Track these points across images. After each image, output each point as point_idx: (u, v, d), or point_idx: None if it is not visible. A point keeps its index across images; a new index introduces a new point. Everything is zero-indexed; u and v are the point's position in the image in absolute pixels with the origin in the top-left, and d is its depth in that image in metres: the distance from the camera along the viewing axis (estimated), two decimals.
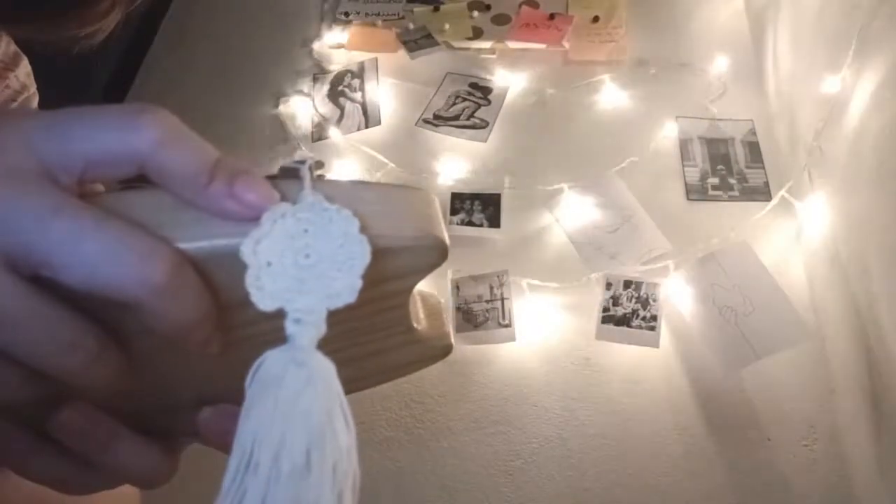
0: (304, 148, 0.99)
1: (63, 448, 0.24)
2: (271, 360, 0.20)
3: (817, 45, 0.81)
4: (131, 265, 0.20)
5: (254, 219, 0.22)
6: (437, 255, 0.25)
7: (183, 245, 0.22)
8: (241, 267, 0.21)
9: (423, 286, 0.28)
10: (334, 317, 0.21)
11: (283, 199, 0.22)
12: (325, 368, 0.21)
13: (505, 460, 0.72)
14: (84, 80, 1.02)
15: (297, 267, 0.21)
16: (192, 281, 0.22)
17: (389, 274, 0.24)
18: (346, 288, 0.21)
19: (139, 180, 0.22)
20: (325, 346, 0.21)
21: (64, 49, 0.37)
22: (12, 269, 0.20)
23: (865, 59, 0.71)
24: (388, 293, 0.26)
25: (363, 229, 0.22)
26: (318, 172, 0.26)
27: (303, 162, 0.24)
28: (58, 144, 0.21)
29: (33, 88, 0.45)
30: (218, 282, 0.22)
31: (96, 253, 0.20)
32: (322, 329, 0.21)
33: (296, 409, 0.20)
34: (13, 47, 0.43)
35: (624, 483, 0.70)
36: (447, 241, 0.25)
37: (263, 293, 0.21)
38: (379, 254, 0.22)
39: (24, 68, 0.44)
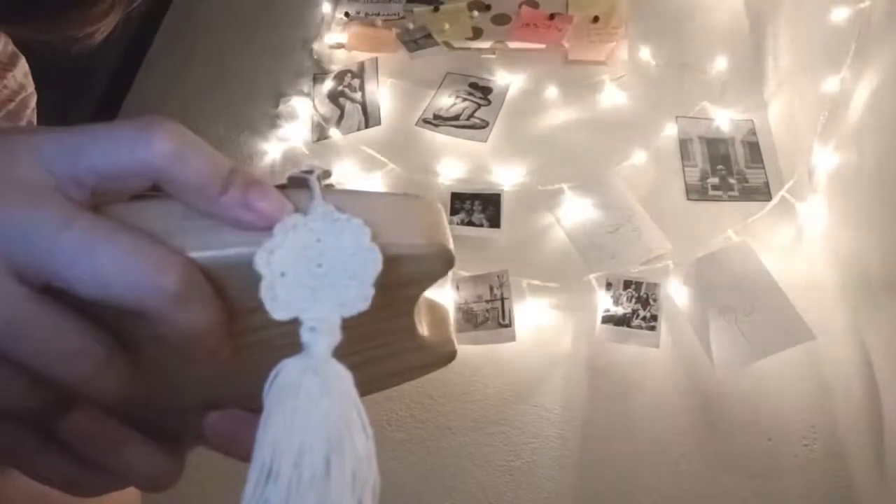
0: (304, 148, 0.99)
1: (70, 450, 0.24)
2: (288, 369, 0.21)
3: (817, 45, 0.81)
4: (143, 275, 0.20)
5: (266, 228, 0.22)
6: (443, 264, 0.25)
7: (194, 254, 0.22)
8: (252, 275, 0.21)
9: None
10: (343, 324, 0.21)
11: (295, 209, 0.23)
12: (342, 376, 0.21)
13: (505, 460, 0.72)
14: (84, 80, 1.02)
15: (311, 276, 0.22)
16: (204, 290, 0.22)
17: (398, 282, 0.25)
18: (359, 296, 0.22)
19: (151, 189, 0.22)
20: (333, 352, 0.21)
21: (64, 49, 0.37)
22: (23, 280, 0.20)
23: (865, 59, 0.71)
24: (397, 300, 0.26)
25: (374, 238, 0.22)
26: (326, 182, 0.26)
27: (311, 171, 0.24)
28: (70, 160, 0.21)
29: (31, 88, 0.45)
30: (228, 290, 0.23)
31: (108, 264, 0.20)
32: (337, 337, 0.21)
33: (314, 416, 0.20)
34: (11, 47, 0.43)
35: (624, 483, 0.70)
36: (453, 250, 0.25)
37: (278, 303, 0.21)
38: (388, 262, 0.22)
39: (22, 68, 0.44)
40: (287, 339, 0.21)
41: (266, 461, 0.20)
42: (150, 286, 0.20)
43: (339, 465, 0.20)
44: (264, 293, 0.21)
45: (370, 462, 0.20)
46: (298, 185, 0.24)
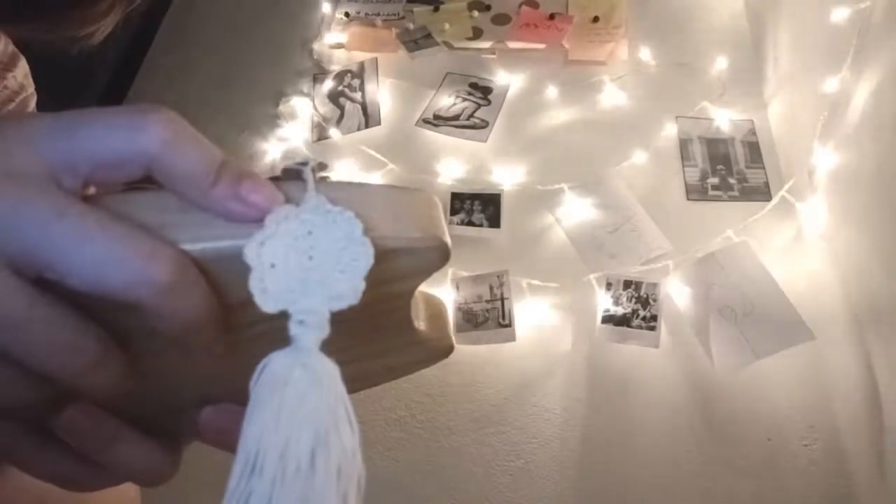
0: (304, 148, 0.99)
1: (68, 446, 0.24)
2: (275, 362, 0.20)
3: (817, 45, 0.81)
4: (135, 267, 0.20)
5: (258, 220, 0.22)
6: (439, 257, 0.25)
7: (187, 246, 0.22)
8: (245, 268, 0.21)
9: (424, 286, 0.28)
10: (337, 317, 0.21)
11: (287, 200, 0.22)
12: (329, 370, 0.21)
13: (505, 460, 0.72)
14: (84, 80, 1.02)
15: (301, 268, 0.21)
16: (196, 282, 0.22)
17: (392, 275, 0.24)
18: (348, 289, 0.21)
19: (143, 182, 0.22)
20: (326, 346, 0.21)
21: (64, 49, 0.37)
22: (16, 271, 0.20)
23: (865, 59, 0.71)
24: (391, 294, 0.26)
25: (366, 231, 0.22)
26: (321, 174, 0.26)
27: (305, 163, 0.24)
28: (64, 146, 0.21)
29: (31, 88, 0.45)
30: (222, 283, 0.22)
31: (100, 255, 0.20)
32: (326, 330, 0.21)
33: (300, 410, 0.20)
34: (11, 47, 0.43)
35: (624, 483, 0.70)
36: (449, 243, 0.25)
37: (267, 295, 0.21)
38: (382, 255, 0.22)
39: (23, 69, 0.44)
40: (281, 333, 0.21)
41: (251, 454, 0.19)
42: (142, 278, 0.20)
43: (324, 459, 0.19)
44: (253, 285, 0.21)
45: (356, 457, 0.20)
46: (293, 177, 0.24)
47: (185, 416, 0.26)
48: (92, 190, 0.24)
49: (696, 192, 0.88)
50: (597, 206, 0.86)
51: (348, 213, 0.22)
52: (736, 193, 0.87)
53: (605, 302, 0.76)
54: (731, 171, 0.89)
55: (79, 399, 0.24)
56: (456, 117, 0.99)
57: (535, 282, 0.79)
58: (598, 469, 0.71)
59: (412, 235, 0.24)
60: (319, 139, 0.99)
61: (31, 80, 0.45)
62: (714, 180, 0.89)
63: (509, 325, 0.76)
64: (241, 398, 0.21)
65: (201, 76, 1.12)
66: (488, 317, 0.77)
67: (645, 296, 0.75)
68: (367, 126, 0.99)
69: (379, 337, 0.28)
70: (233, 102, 1.07)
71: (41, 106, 0.46)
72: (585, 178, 0.89)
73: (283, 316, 0.21)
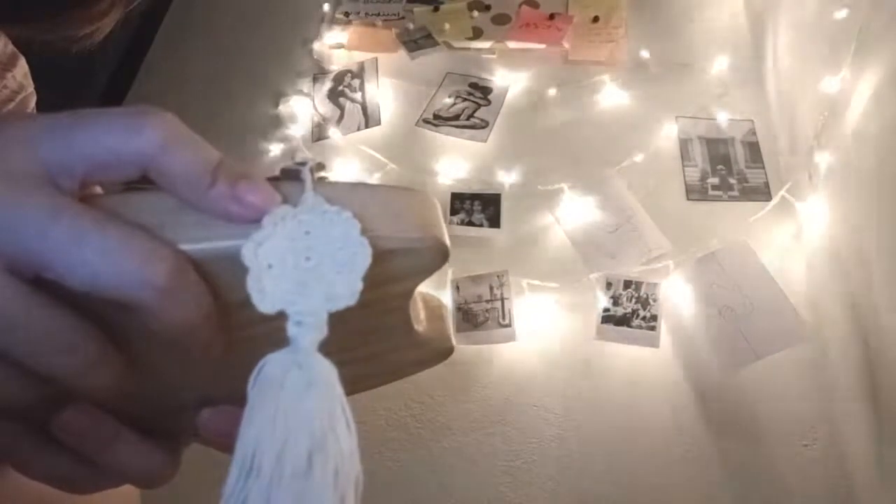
0: (304, 148, 0.99)
1: (66, 447, 0.24)
2: (273, 363, 0.20)
3: (817, 45, 0.81)
4: (132, 267, 0.20)
5: (255, 221, 0.22)
6: (438, 257, 0.25)
7: (184, 247, 0.22)
8: (243, 269, 0.21)
9: (424, 286, 0.28)
10: (335, 318, 0.21)
11: (285, 201, 0.22)
12: (327, 371, 0.21)
13: (505, 460, 0.72)
14: (84, 81, 1.02)
15: (298, 269, 0.21)
16: (194, 283, 0.22)
17: (390, 276, 0.24)
18: (346, 290, 0.21)
19: (141, 182, 0.22)
20: (325, 347, 0.21)
21: (64, 49, 0.37)
22: (13, 272, 0.20)
23: (865, 59, 0.71)
24: (389, 295, 0.26)
25: (364, 231, 0.22)
26: (320, 174, 0.26)
27: (304, 163, 0.24)
28: (61, 147, 0.21)
29: (31, 88, 0.45)
30: (219, 283, 0.22)
31: (97, 256, 0.20)
32: (323, 331, 0.21)
33: (297, 412, 0.20)
34: (10, 47, 0.43)
35: (624, 483, 0.70)
36: (448, 243, 0.25)
37: (264, 295, 0.21)
38: (380, 256, 0.22)
39: (22, 68, 0.44)
40: (280, 334, 0.21)
41: (248, 456, 0.19)
42: (139, 278, 0.20)
43: (321, 461, 0.19)
44: (251, 286, 0.21)
45: (353, 458, 0.20)
46: (291, 177, 0.24)
47: (184, 416, 0.26)
48: (98, 189, 0.24)
49: (696, 192, 0.88)
50: (597, 206, 0.86)
51: (346, 213, 0.22)
52: (736, 193, 0.87)
53: (604, 302, 0.76)
54: (731, 171, 0.89)
55: (79, 399, 0.24)
56: (456, 117, 0.99)
57: (535, 282, 0.79)
58: (598, 469, 0.71)
59: (411, 236, 0.24)
60: (319, 139, 0.99)
61: (30, 80, 0.45)
62: (714, 180, 0.89)
63: (509, 325, 0.76)
64: (240, 399, 0.21)
65: (201, 76, 1.12)
66: (488, 317, 0.77)
67: (645, 296, 0.75)
68: (367, 126, 0.99)
69: (378, 338, 0.28)
70: (233, 102, 1.07)
71: (41, 106, 0.46)
72: (585, 178, 0.89)
73: (281, 317, 0.21)
